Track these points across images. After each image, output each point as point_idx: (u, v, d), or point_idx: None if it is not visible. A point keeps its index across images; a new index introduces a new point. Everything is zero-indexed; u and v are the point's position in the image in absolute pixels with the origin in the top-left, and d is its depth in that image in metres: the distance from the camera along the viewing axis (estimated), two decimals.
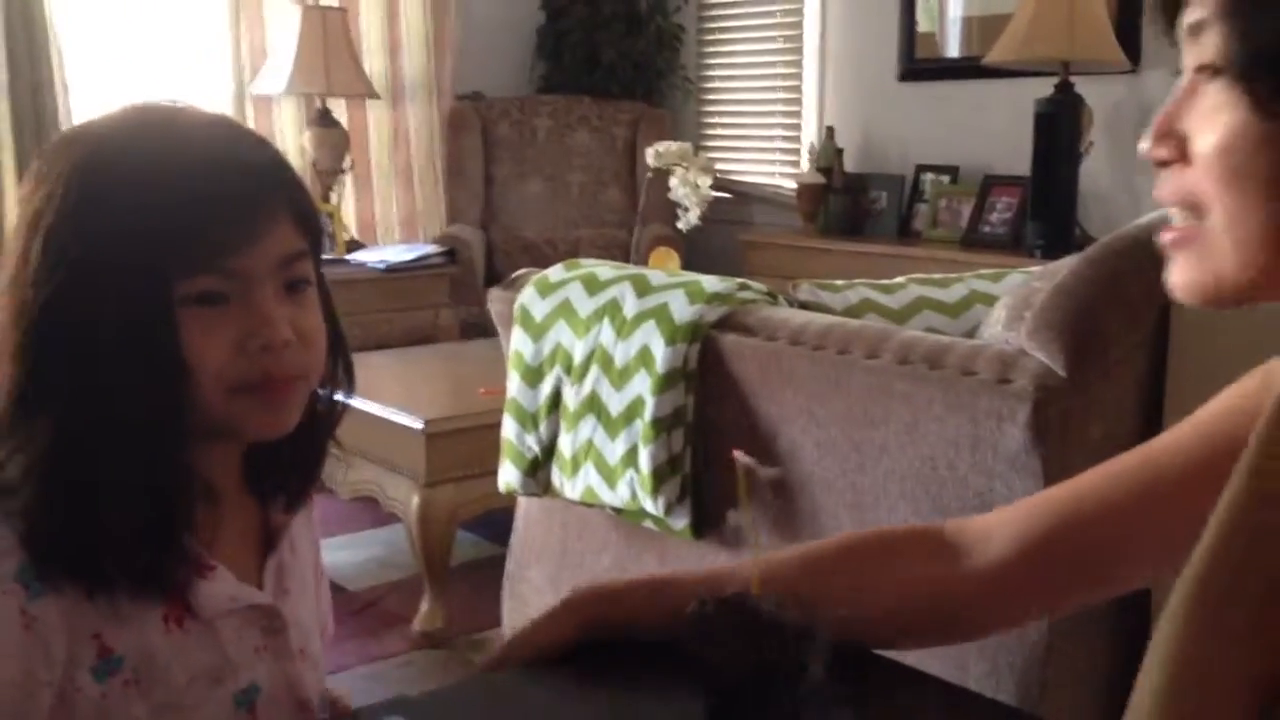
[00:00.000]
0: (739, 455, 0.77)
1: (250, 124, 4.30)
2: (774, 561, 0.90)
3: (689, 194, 2.80)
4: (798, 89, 4.59)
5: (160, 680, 0.83)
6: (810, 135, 4.50)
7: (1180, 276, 0.63)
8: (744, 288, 1.80)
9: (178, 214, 0.79)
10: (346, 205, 4.45)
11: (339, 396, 0.95)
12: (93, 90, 4.07)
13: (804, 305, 1.77)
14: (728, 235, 4.40)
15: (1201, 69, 0.60)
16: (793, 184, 4.41)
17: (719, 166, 4.69)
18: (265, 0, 4.27)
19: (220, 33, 4.22)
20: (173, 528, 0.82)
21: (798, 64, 4.58)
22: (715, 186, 2.93)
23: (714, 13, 4.91)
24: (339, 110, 4.37)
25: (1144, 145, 0.63)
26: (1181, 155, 0.62)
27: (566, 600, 0.93)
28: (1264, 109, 0.56)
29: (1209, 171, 0.60)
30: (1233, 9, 0.57)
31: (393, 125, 4.63)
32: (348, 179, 4.36)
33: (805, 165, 4.42)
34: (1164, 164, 0.63)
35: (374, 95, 4.38)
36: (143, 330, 0.79)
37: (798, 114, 4.61)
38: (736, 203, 4.70)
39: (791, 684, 0.77)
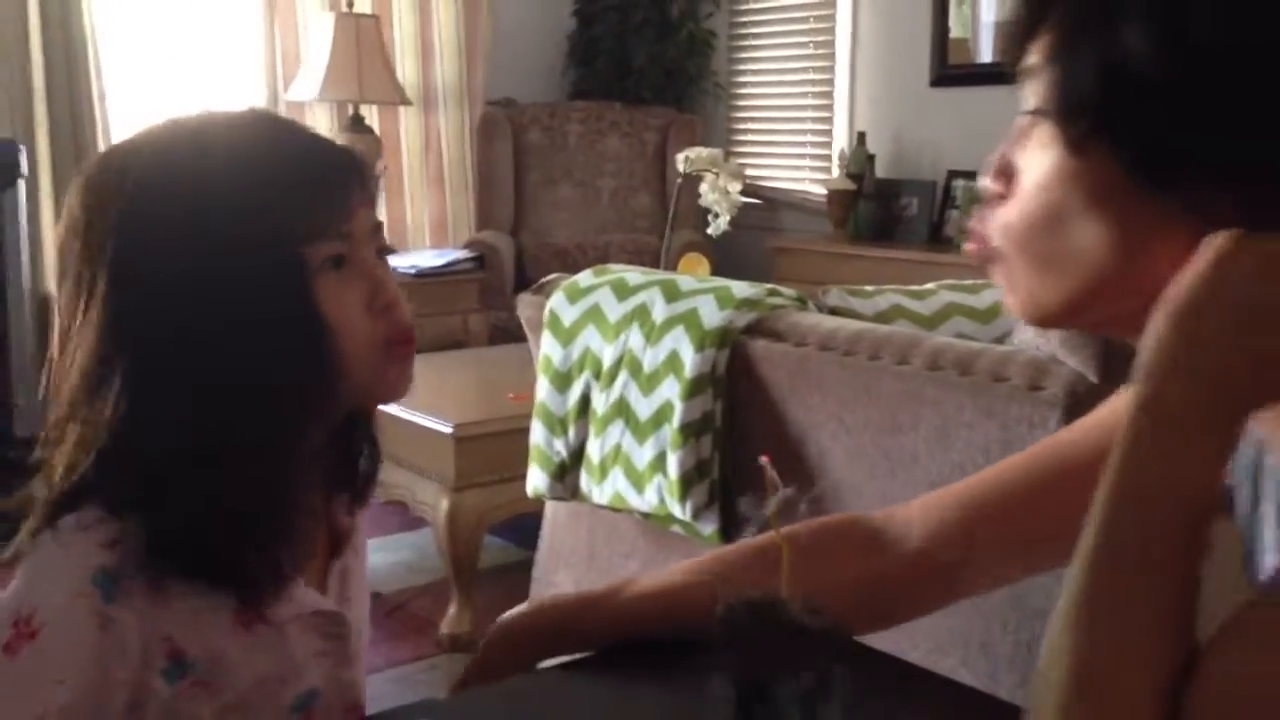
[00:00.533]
0: (765, 462, 0.78)
1: None
2: (715, 560, 0.96)
3: (719, 200, 2.80)
4: (829, 95, 4.58)
5: (228, 682, 0.83)
6: (841, 141, 4.49)
7: (1005, 297, 0.69)
8: (774, 293, 1.80)
9: (300, 185, 0.82)
10: (378, 210, 4.48)
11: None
12: (128, 98, 4.11)
13: (834, 311, 1.77)
14: (758, 241, 4.39)
15: (1034, 111, 0.65)
16: (823, 190, 4.40)
17: (749, 172, 4.68)
18: (299, 7, 4.31)
19: (254, 39, 4.26)
20: (282, 541, 0.83)
21: (829, 70, 4.57)
22: (745, 192, 2.92)
23: (745, 18, 4.91)
24: (371, 116, 4.40)
25: (984, 180, 0.69)
26: (1012, 190, 0.67)
27: (502, 627, 0.92)
28: (1075, 148, 0.62)
29: (1027, 204, 0.65)
30: (1055, 56, 0.63)
31: (424, 131, 4.65)
32: (380, 184, 4.39)
33: (836, 171, 4.40)
34: (1000, 197, 0.68)
35: (406, 101, 4.40)
36: (290, 299, 0.81)
37: (829, 120, 4.59)
38: (767, 209, 4.69)
39: (819, 687, 0.77)
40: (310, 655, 0.89)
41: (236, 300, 0.79)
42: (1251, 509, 0.70)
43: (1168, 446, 0.56)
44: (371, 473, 0.96)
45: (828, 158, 4.56)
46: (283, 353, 0.80)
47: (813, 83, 4.67)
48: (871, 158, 4.25)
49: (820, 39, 4.60)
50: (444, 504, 2.58)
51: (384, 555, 3.15)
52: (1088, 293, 0.65)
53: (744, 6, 4.89)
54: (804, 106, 4.72)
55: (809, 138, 4.72)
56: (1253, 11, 0.57)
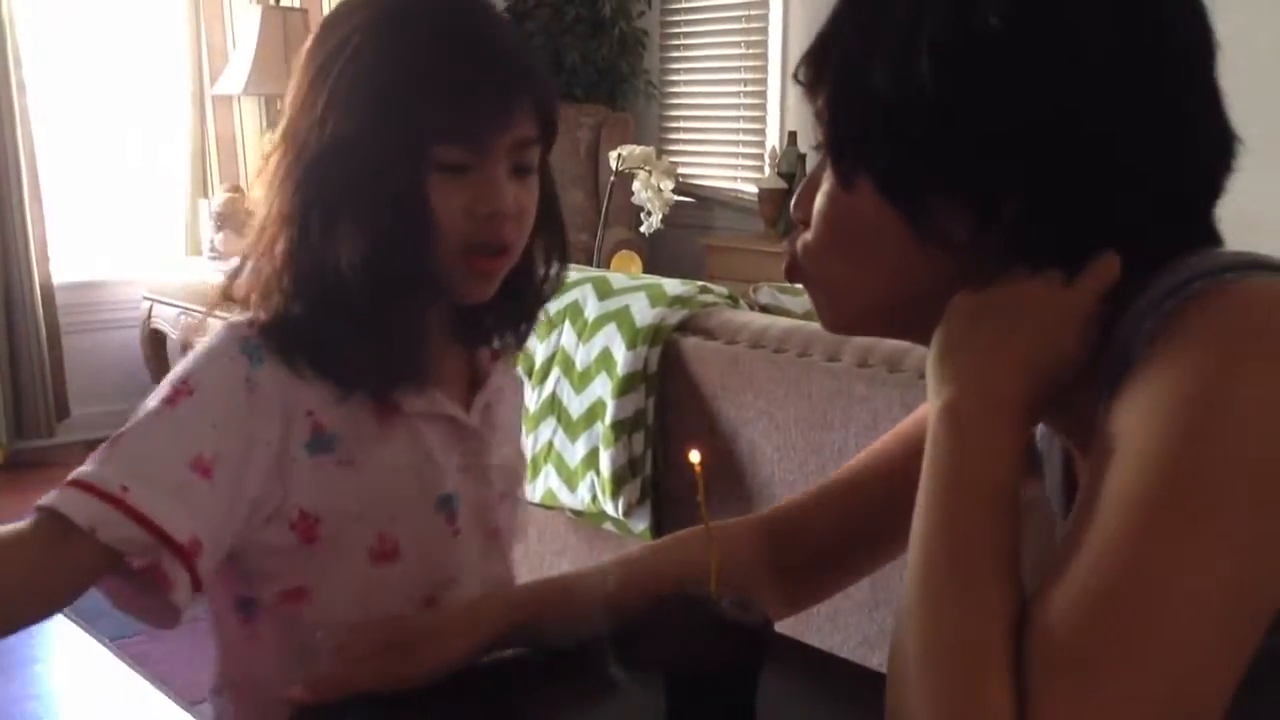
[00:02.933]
0: (694, 454, 0.80)
1: (210, 125, 4.26)
2: (628, 560, 0.99)
3: (652, 198, 2.80)
4: (761, 94, 4.61)
5: (372, 464, 0.93)
6: (773, 140, 4.52)
7: (814, 309, 0.79)
8: (705, 291, 1.81)
9: (447, 90, 0.89)
10: None
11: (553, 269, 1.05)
12: (50, 88, 4.03)
13: (765, 309, 1.78)
14: (690, 239, 4.40)
15: (818, 148, 0.75)
16: (755, 188, 4.43)
17: (682, 171, 4.69)
18: (225, 0, 4.24)
19: (180, 32, 4.18)
20: (391, 349, 0.92)
21: (761, 69, 4.59)
22: (678, 190, 2.93)
23: (677, 18, 4.92)
24: None
25: (792, 208, 0.78)
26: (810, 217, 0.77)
27: (473, 608, 0.92)
28: (844, 182, 0.72)
29: (815, 231, 0.75)
30: (826, 105, 0.73)
31: None
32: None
33: (768, 170, 4.43)
34: (804, 223, 0.77)
35: None
36: (408, 183, 0.89)
37: (761, 119, 4.62)
38: (699, 207, 4.71)
39: (750, 682, 0.78)
40: (452, 464, 0.97)
41: (368, 167, 0.89)
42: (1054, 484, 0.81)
43: (961, 443, 0.66)
44: (518, 334, 1.05)
45: (760, 157, 4.59)
46: (386, 222, 0.89)
47: (745, 82, 4.70)
48: (803, 157, 4.29)
49: (752, 39, 4.63)
50: None
51: None
52: (870, 309, 0.75)
53: (676, 5, 4.90)
54: (736, 105, 4.75)
55: (741, 137, 4.74)
56: (966, 68, 0.67)
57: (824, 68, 0.74)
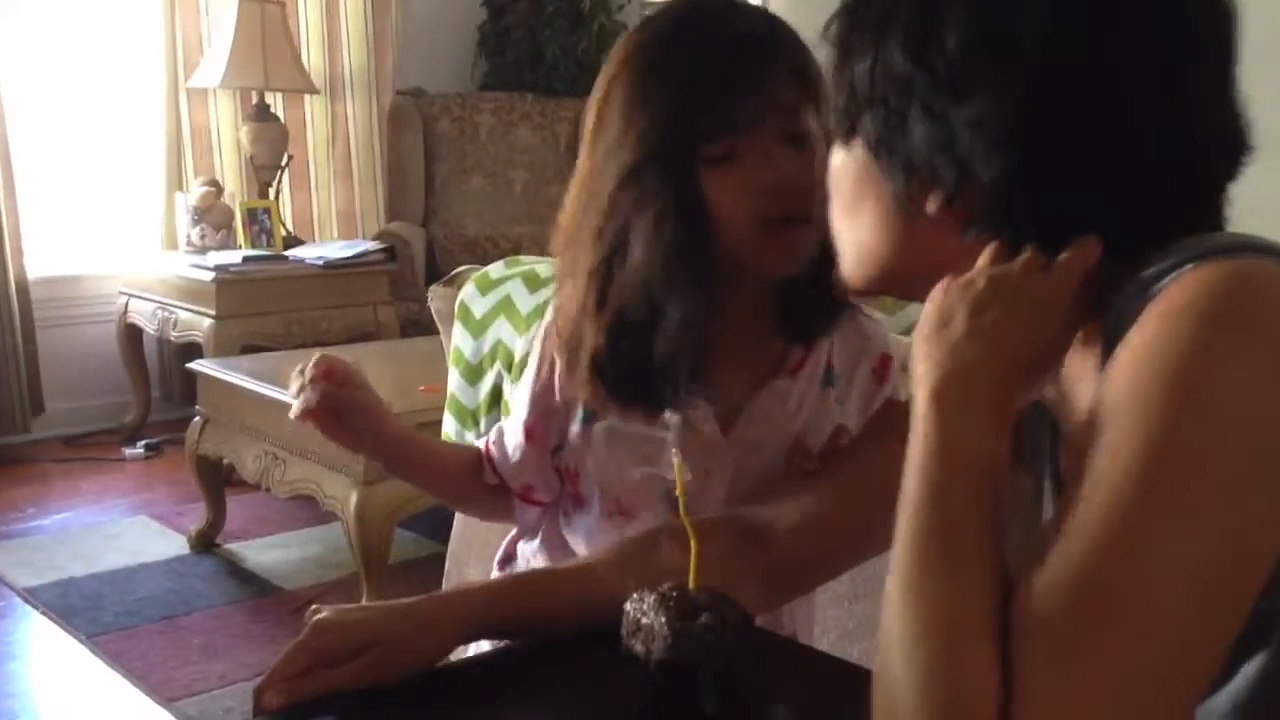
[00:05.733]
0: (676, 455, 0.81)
1: (185, 118, 4.23)
2: (607, 553, 1.00)
3: None
4: None
5: (611, 447, 1.08)
6: None
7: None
8: None
9: (704, 98, 0.98)
10: (284, 200, 4.39)
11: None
12: (23, 83, 3.99)
13: None
14: None
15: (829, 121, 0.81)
16: None
17: None
18: None
19: (155, 24, 4.15)
20: (678, 366, 1.01)
21: None
22: None
23: None
24: (277, 105, 4.31)
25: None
26: None
27: (451, 605, 0.93)
28: (841, 141, 0.78)
29: (831, 198, 0.81)
30: (831, 80, 0.78)
31: (331, 120, 4.58)
32: (285, 174, 4.30)
33: None
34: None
35: (313, 90, 4.33)
36: (682, 189, 0.98)
37: None
38: None
39: (726, 677, 0.78)
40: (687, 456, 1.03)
41: (646, 185, 0.99)
42: (1040, 468, 0.82)
43: (946, 426, 0.67)
44: (815, 317, 1.08)
45: None
46: (665, 222, 0.98)
47: None
48: None
49: None
50: (354, 498, 2.54)
51: (292, 550, 3.10)
52: (881, 271, 0.78)
53: (656, 0, 4.91)
54: None
55: None
56: (928, 48, 0.70)
57: (832, 50, 0.78)
